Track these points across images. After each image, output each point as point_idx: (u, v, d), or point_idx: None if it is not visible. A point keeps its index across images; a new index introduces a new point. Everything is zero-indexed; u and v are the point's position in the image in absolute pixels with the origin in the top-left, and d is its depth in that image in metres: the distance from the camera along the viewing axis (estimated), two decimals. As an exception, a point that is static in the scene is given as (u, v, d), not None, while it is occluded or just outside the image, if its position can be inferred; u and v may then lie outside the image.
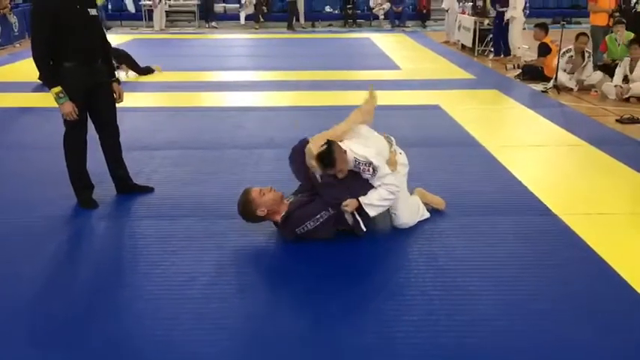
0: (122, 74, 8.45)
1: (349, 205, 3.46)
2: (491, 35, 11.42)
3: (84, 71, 3.83)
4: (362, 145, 3.56)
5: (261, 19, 17.25)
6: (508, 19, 10.60)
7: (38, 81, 7.94)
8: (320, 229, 3.50)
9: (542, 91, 8.01)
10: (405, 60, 10.77)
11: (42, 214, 3.96)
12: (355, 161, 3.48)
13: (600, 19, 9.22)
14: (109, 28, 15.88)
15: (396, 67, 10.13)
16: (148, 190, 4.34)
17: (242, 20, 17.50)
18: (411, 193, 3.90)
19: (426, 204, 3.94)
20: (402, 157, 3.82)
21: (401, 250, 3.55)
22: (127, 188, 4.29)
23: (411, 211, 3.76)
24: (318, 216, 3.48)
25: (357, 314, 2.87)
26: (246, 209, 3.53)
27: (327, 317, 2.84)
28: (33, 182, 4.53)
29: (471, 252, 3.46)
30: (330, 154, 3.37)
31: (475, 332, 2.70)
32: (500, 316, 2.83)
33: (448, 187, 4.19)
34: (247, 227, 3.65)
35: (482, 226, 3.79)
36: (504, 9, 10.68)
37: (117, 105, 4.14)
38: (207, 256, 3.42)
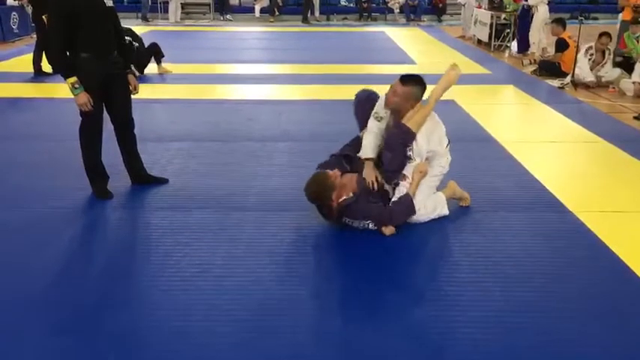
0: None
1: (387, 231, 3.56)
2: (507, 30, 11.32)
3: (99, 62, 3.85)
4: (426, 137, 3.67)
5: (276, 12, 17.24)
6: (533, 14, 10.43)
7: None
8: (358, 227, 3.59)
9: (559, 87, 7.93)
10: (421, 54, 10.71)
11: (57, 205, 3.99)
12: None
13: (626, 14, 9.08)
14: (147, 20, 15.93)
15: (411, 62, 10.07)
16: (162, 181, 4.37)
17: (257, 13, 17.50)
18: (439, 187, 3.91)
19: (453, 198, 3.94)
20: (447, 162, 3.83)
21: (415, 244, 3.54)
22: (142, 179, 4.31)
23: (422, 208, 3.71)
24: (369, 221, 3.56)
25: (370, 308, 2.86)
26: (323, 191, 3.49)
27: (339, 310, 2.85)
28: (49, 173, 4.57)
29: (485, 248, 3.45)
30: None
31: (488, 329, 2.69)
32: (513, 313, 2.81)
33: (463, 182, 4.15)
34: (261, 219, 3.65)
35: (497, 222, 3.77)
36: (530, 3, 10.52)
37: (132, 96, 4.16)
38: (220, 247, 3.43)
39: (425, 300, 2.94)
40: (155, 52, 8.55)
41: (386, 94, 3.75)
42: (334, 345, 2.59)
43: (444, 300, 2.93)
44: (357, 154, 3.78)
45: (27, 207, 3.96)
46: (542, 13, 10.45)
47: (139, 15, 16.19)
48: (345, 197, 3.54)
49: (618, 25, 9.02)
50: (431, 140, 3.70)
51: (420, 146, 3.66)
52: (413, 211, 3.65)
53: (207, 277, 3.12)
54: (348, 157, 3.85)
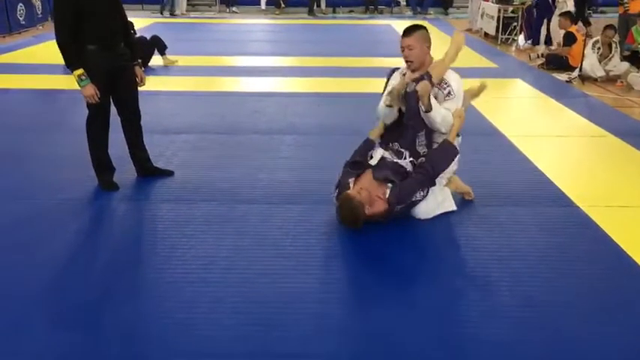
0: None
1: (424, 87, 3.57)
2: (514, 24, 11.24)
3: (106, 54, 3.84)
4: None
5: (282, 5, 17.16)
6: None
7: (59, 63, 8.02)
8: (405, 210, 3.57)
9: (567, 81, 7.88)
10: (427, 47, 10.63)
11: (63, 196, 4.00)
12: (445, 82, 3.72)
13: (635, 6, 8.98)
14: (174, 14, 15.88)
15: (417, 55, 10.02)
16: (168, 173, 4.37)
17: (263, 5, 17.42)
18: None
19: (457, 192, 3.93)
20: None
21: (422, 239, 3.53)
22: (148, 171, 4.32)
23: (429, 203, 3.68)
24: (414, 197, 3.54)
25: (376, 302, 2.86)
26: (359, 213, 3.41)
27: (345, 303, 2.85)
28: (54, 164, 4.58)
29: (491, 242, 3.44)
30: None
31: (493, 323, 2.68)
32: (519, 307, 2.80)
33: (469, 176, 4.14)
34: (267, 212, 3.65)
35: (503, 216, 3.76)
36: None
37: (138, 88, 4.16)
38: (225, 240, 3.43)
39: (430, 294, 2.93)
40: (157, 44, 8.53)
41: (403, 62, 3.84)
42: (340, 338, 2.59)
43: (449, 294, 2.92)
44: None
45: (33, 198, 3.97)
46: (570, 8, 10.35)
47: (167, 9, 16.06)
48: (386, 191, 3.48)
49: (618, 20, 8.93)
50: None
51: (459, 86, 3.75)
52: (455, 152, 3.66)
53: (213, 269, 3.12)
54: (356, 164, 3.73)
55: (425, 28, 3.82)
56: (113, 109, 4.08)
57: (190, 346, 2.51)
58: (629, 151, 5.04)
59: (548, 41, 10.51)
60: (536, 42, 10.68)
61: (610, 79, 7.89)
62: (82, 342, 2.55)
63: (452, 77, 3.80)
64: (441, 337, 2.59)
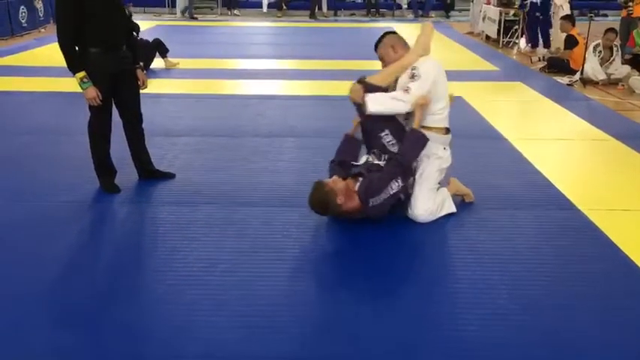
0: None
1: (353, 90, 3.65)
2: (516, 27, 11.25)
3: (108, 57, 3.85)
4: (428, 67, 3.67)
5: (284, 7, 17.19)
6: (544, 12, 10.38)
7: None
8: (386, 205, 3.50)
9: (568, 85, 7.89)
10: (428, 50, 10.64)
11: (65, 199, 4.00)
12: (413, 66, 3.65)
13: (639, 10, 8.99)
14: (193, 17, 15.94)
15: (418, 58, 10.03)
16: (169, 176, 4.37)
17: (264, 8, 17.45)
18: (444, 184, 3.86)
19: (457, 195, 3.92)
20: (446, 153, 3.77)
21: (422, 242, 3.53)
22: (149, 174, 4.32)
23: (429, 206, 3.67)
24: (389, 187, 3.46)
25: (377, 305, 2.86)
26: (327, 199, 3.41)
27: (346, 307, 2.84)
28: (57, 167, 4.59)
29: (492, 245, 3.44)
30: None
31: (494, 326, 2.68)
32: (520, 310, 2.80)
33: (470, 179, 4.14)
34: (268, 215, 3.65)
35: (504, 219, 3.76)
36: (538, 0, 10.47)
37: (140, 91, 4.17)
38: (227, 243, 3.43)
39: (431, 297, 2.93)
40: (159, 47, 8.54)
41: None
42: (341, 341, 2.59)
43: (450, 297, 2.92)
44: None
45: (35, 200, 3.98)
46: (566, 11, 10.37)
47: (186, 13, 16.12)
48: (357, 185, 3.49)
49: (619, 23, 8.92)
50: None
51: (428, 70, 3.64)
52: (424, 139, 3.58)
53: (214, 272, 3.12)
54: (344, 164, 3.76)
55: (389, 33, 3.94)
56: (115, 112, 4.09)
57: (191, 349, 2.51)
58: (630, 154, 5.04)
59: (546, 43, 10.55)
60: (535, 45, 10.70)
61: (611, 83, 7.90)
62: (83, 343, 2.55)
63: (422, 61, 3.70)
64: (441, 341, 2.59)
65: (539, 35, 10.70)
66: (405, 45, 3.82)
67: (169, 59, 8.64)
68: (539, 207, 3.95)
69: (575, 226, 3.70)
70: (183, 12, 16.08)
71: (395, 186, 3.48)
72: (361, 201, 3.44)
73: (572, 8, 10.28)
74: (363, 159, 3.75)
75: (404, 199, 3.60)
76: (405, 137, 3.60)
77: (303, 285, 3.06)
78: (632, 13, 9.02)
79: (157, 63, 8.55)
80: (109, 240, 3.57)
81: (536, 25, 10.70)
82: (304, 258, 3.31)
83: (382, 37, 3.89)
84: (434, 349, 2.53)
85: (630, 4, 9.08)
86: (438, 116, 3.73)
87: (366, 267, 3.20)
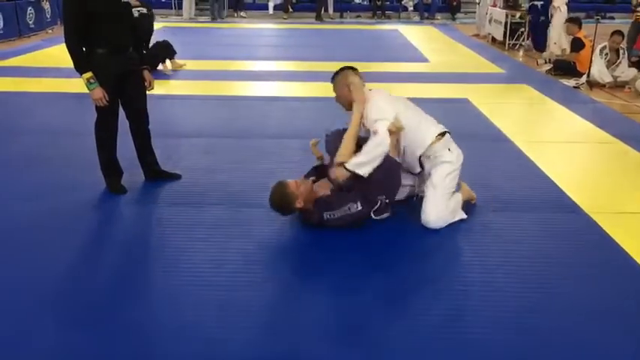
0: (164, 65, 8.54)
1: (337, 174, 3.54)
2: (522, 29, 11.24)
3: (115, 58, 3.87)
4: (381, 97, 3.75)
5: (290, 9, 17.23)
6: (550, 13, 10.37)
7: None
8: (346, 219, 3.51)
9: (574, 87, 7.87)
10: (434, 53, 10.67)
11: (72, 199, 4.02)
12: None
13: None
14: (217, 18, 16.04)
15: (424, 60, 10.04)
16: (175, 176, 4.39)
17: (270, 10, 17.50)
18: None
19: (468, 200, 3.90)
20: (451, 156, 3.72)
21: (427, 244, 3.53)
22: (155, 174, 4.34)
23: (440, 212, 3.63)
24: (347, 207, 3.49)
25: (382, 307, 2.86)
26: (286, 201, 3.50)
27: (352, 308, 2.84)
28: (63, 167, 4.61)
29: (497, 248, 3.43)
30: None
31: (500, 329, 2.68)
32: (525, 313, 2.80)
33: (476, 182, 4.14)
34: (274, 216, 3.65)
35: (510, 222, 3.75)
36: (539, 3, 10.48)
37: (147, 92, 4.18)
38: (233, 244, 3.44)
39: (436, 300, 2.93)
40: (167, 49, 8.57)
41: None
42: (346, 343, 2.59)
43: (456, 300, 2.92)
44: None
45: (42, 200, 4.00)
46: (564, 13, 10.35)
47: (217, 14, 16.24)
48: (321, 194, 3.55)
49: (630, 25, 8.89)
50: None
51: (378, 109, 3.65)
52: (395, 181, 3.63)
53: (220, 272, 3.13)
54: (318, 168, 3.91)
55: (345, 69, 3.90)
56: (122, 113, 4.11)
57: (197, 349, 2.52)
58: (636, 157, 5.03)
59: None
60: (538, 46, 10.68)
61: (618, 85, 7.88)
62: (90, 342, 2.56)
63: (371, 104, 3.70)
64: (446, 343, 2.59)
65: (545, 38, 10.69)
66: (360, 82, 3.80)
67: (176, 60, 8.67)
68: (545, 210, 3.94)
69: (581, 229, 3.69)
70: (212, 15, 16.16)
71: (354, 208, 3.51)
72: (316, 209, 3.51)
73: (570, 10, 10.25)
74: None
75: (387, 202, 3.63)
76: (381, 169, 3.54)
77: (309, 287, 3.07)
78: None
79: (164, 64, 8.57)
80: (115, 240, 3.58)
81: (539, 28, 10.69)
82: (310, 260, 3.32)
83: (339, 71, 3.88)
84: (439, 352, 2.53)
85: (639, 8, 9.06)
86: (421, 148, 3.70)
87: (372, 270, 3.20)
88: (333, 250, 3.40)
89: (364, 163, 3.52)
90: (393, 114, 3.63)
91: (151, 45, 8.23)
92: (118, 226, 3.79)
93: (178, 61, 8.69)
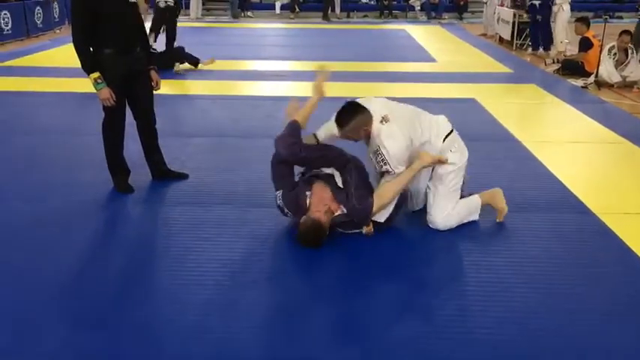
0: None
1: (369, 230, 3.48)
2: (529, 29, 11.20)
3: (122, 58, 3.87)
4: (394, 139, 3.40)
5: (297, 9, 17.23)
6: (543, 14, 10.36)
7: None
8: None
9: (582, 87, 7.83)
10: (441, 52, 10.64)
11: (79, 198, 4.03)
12: (377, 151, 3.42)
13: None
14: (236, 17, 16.16)
15: (431, 60, 10.02)
16: (182, 176, 4.40)
17: (277, 10, 17.52)
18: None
19: (488, 204, 3.75)
20: (453, 156, 3.58)
21: (434, 244, 3.52)
22: (162, 174, 4.35)
23: (446, 211, 3.59)
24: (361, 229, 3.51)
25: (389, 308, 2.85)
26: (320, 237, 3.37)
27: (358, 309, 2.84)
28: (71, 167, 4.63)
29: (505, 249, 3.42)
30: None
31: (507, 329, 2.67)
32: (533, 314, 2.78)
33: (483, 182, 4.12)
34: (280, 216, 3.65)
35: (518, 222, 3.73)
36: (537, 2, 10.45)
37: (154, 92, 4.19)
38: (239, 243, 3.44)
39: (444, 300, 2.92)
40: (181, 55, 8.68)
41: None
42: (353, 343, 2.59)
43: (464, 300, 2.91)
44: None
45: (49, 200, 4.01)
46: (567, 12, 10.31)
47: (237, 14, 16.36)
48: (337, 214, 3.43)
49: (636, 24, 8.84)
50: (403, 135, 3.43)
51: (394, 152, 3.40)
52: (368, 214, 3.43)
53: (226, 272, 3.13)
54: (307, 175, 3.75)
55: (356, 113, 3.43)
56: (129, 112, 4.11)
57: (204, 349, 2.52)
58: (645, 157, 5.00)
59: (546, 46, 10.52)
60: (547, 47, 10.64)
61: (626, 85, 7.83)
62: (96, 342, 2.56)
63: (391, 152, 3.39)
64: (454, 343, 2.57)
65: (546, 38, 10.66)
66: (370, 119, 3.43)
67: (204, 61, 8.83)
68: (553, 210, 3.92)
69: (589, 229, 3.67)
70: (233, 14, 16.27)
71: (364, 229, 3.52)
72: (331, 224, 3.44)
73: (578, 10, 10.24)
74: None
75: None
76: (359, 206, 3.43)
77: (316, 287, 3.07)
78: None
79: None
80: (122, 239, 3.58)
81: (536, 27, 10.66)
82: (316, 260, 3.31)
83: (350, 118, 3.43)
84: (447, 352, 2.52)
85: None
86: (426, 146, 3.57)
87: (378, 270, 3.20)
88: (340, 250, 3.39)
89: (384, 212, 3.49)
90: (407, 157, 3.46)
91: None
92: (124, 225, 3.80)
93: (206, 61, 8.79)
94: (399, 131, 3.42)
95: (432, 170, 3.64)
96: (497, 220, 3.73)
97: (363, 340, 2.60)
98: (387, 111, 3.49)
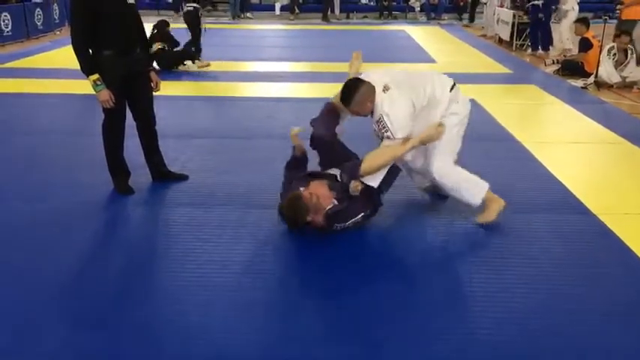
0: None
1: (356, 186, 3.47)
2: (529, 30, 11.21)
3: (122, 60, 3.88)
4: (396, 105, 3.40)
5: (296, 10, 17.24)
6: (546, 14, 10.37)
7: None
8: (354, 224, 3.51)
9: (582, 87, 7.84)
10: (441, 53, 10.65)
11: (79, 200, 4.04)
12: (380, 120, 3.43)
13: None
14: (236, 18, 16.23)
15: (431, 60, 10.02)
16: (182, 177, 4.40)
17: (277, 11, 17.53)
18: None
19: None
20: (457, 107, 3.60)
21: (434, 246, 3.52)
22: (162, 175, 4.35)
23: (446, 163, 3.55)
24: (359, 217, 3.49)
25: (389, 308, 2.86)
26: (301, 216, 3.38)
27: (359, 308, 2.84)
28: (71, 168, 4.63)
29: (505, 250, 3.42)
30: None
31: (508, 330, 2.67)
32: (532, 314, 2.79)
33: (483, 182, 4.12)
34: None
35: (517, 223, 3.74)
36: (539, 2, 10.46)
37: (154, 93, 4.19)
38: (240, 244, 3.44)
39: (443, 300, 2.92)
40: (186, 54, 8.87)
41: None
42: (354, 343, 2.59)
43: (463, 301, 2.91)
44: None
45: (50, 201, 4.02)
46: (576, 12, 10.31)
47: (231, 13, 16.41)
48: (330, 207, 3.44)
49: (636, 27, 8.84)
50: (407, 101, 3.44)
51: (397, 118, 3.40)
52: (397, 171, 3.60)
53: (227, 273, 3.13)
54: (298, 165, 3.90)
55: (358, 86, 3.46)
56: (129, 113, 4.12)
57: (204, 350, 2.52)
58: (645, 158, 5.00)
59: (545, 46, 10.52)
60: (546, 47, 10.64)
61: (626, 86, 7.83)
62: (96, 343, 2.57)
63: (392, 114, 3.40)
64: (454, 344, 2.58)
65: (546, 38, 10.66)
66: (372, 90, 3.46)
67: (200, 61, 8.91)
68: (553, 211, 3.92)
69: (589, 230, 3.67)
70: (232, 15, 16.32)
71: (361, 215, 3.51)
72: (327, 222, 3.44)
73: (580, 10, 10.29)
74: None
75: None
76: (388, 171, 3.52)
77: (316, 288, 3.07)
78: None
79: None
80: (122, 241, 3.59)
81: (536, 27, 10.66)
82: (318, 260, 3.31)
83: (351, 92, 3.46)
84: (446, 353, 2.52)
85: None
86: (440, 108, 3.57)
87: (379, 271, 3.20)
88: (339, 250, 3.39)
89: (378, 176, 3.47)
90: (412, 122, 3.46)
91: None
92: (125, 226, 3.80)
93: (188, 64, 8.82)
94: (401, 97, 3.44)
95: None
96: (477, 220, 3.69)
97: (361, 340, 2.60)
98: (388, 79, 3.51)
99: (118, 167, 4.17)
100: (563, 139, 5.55)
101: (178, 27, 9.80)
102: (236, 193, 4.16)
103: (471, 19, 16.76)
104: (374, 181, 3.48)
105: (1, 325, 2.69)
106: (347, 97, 3.48)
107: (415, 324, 2.73)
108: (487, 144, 5.26)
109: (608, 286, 3.05)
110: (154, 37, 8.45)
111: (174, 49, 8.73)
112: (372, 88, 3.46)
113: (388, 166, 3.50)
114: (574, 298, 2.93)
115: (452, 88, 3.62)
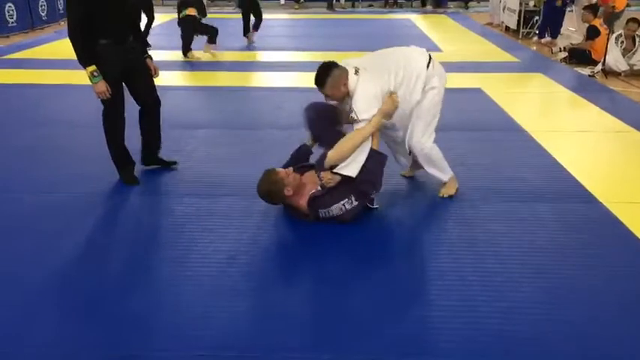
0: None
1: (329, 179, 3.46)
2: (536, 17, 11.11)
3: (118, 49, 3.85)
4: (363, 86, 3.46)
5: (301, 0, 17.15)
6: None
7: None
8: (343, 217, 3.49)
9: (589, 76, 7.78)
10: (447, 42, 10.57)
11: (85, 190, 4.05)
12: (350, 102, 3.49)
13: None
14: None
15: (437, 49, 9.95)
16: (171, 163, 4.40)
17: (282, 0, 17.43)
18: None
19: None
20: (434, 80, 3.69)
21: (440, 234, 3.51)
22: (155, 161, 4.36)
23: (425, 139, 3.69)
24: (342, 204, 3.45)
25: (395, 299, 2.85)
26: (275, 188, 3.47)
27: (364, 300, 2.84)
28: (77, 158, 4.64)
29: (511, 238, 3.41)
30: None
31: (514, 319, 2.66)
32: (539, 304, 2.78)
33: (490, 171, 4.11)
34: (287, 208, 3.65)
35: (524, 212, 3.72)
36: None
37: (155, 82, 4.17)
38: (246, 235, 3.44)
39: (449, 289, 2.91)
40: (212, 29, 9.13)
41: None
42: (358, 336, 2.59)
43: (469, 290, 2.90)
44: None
45: (55, 192, 4.03)
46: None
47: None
48: (313, 191, 3.48)
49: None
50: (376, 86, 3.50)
51: (363, 99, 3.45)
52: (384, 159, 3.58)
53: (233, 263, 3.14)
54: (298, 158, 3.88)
55: (330, 69, 3.54)
56: (131, 103, 4.10)
57: (209, 340, 2.53)
58: (653, 146, 4.96)
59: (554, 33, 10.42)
60: (555, 36, 10.54)
61: (634, 74, 7.77)
62: (101, 333, 2.58)
63: (358, 96, 3.47)
64: (460, 333, 2.57)
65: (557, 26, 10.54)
66: (345, 72, 3.52)
67: (193, 52, 8.86)
68: (560, 199, 3.91)
69: (596, 219, 3.65)
70: (237, 5, 16.24)
71: (348, 204, 3.46)
72: (311, 207, 3.45)
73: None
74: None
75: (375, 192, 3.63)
76: (367, 158, 3.48)
77: (322, 278, 3.06)
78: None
79: (175, 55, 8.57)
80: (128, 231, 3.59)
81: (553, 15, 10.52)
82: (324, 250, 3.31)
83: (325, 73, 3.54)
84: (452, 342, 2.52)
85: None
86: (418, 86, 3.64)
87: (384, 261, 3.19)
88: (344, 241, 3.39)
89: (352, 163, 3.44)
90: (378, 104, 3.49)
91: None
92: (130, 216, 3.81)
93: (194, 52, 8.82)
94: (369, 79, 3.50)
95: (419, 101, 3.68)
96: (440, 194, 3.90)
97: (367, 330, 2.60)
98: (359, 62, 3.59)
99: (121, 157, 4.16)
100: (570, 128, 5.52)
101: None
102: (242, 184, 4.15)
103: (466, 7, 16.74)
104: (351, 171, 3.45)
105: (2, 313, 2.71)
106: (320, 80, 3.56)
107: (419, 313, 2.73)
108: (494, 133, 5.23)
109: (615, 275, 3.03)
110: (188, 3, 8.72)
111: (202, 21, 9.02)
112: (345, 71, 3.52)
113: (364, 153, 3.46)
114: (581, 286, 2.92)
115: (428, 64, 3.69)
